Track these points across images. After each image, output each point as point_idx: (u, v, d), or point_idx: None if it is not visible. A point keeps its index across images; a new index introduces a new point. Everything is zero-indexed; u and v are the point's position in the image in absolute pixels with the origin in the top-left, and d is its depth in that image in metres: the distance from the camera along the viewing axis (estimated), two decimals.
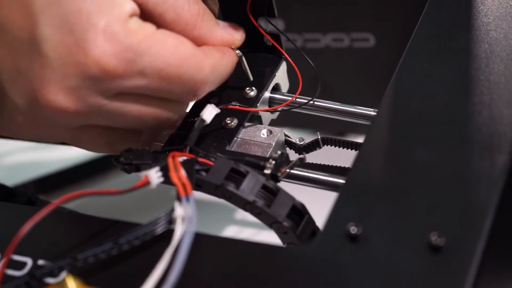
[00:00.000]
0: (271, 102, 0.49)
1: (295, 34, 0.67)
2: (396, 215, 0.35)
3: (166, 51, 0.39)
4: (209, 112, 0.43)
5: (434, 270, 0.32)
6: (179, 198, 0.38)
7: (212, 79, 0.42)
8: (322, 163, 0.45)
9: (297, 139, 0.48)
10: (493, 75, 0.40)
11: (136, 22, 0.39)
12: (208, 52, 0.42)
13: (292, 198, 0.40)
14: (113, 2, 0.38)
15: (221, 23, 0.45)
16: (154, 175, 0.40)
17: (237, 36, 0.46)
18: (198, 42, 0.43)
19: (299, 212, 0.40)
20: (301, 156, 0.43)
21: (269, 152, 0.45)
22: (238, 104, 0.47)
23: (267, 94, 0.48)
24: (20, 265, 0.37)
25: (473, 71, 0.41)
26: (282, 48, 0.49)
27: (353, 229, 0.34)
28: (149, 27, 0.40)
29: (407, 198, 0.35)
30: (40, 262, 0.37)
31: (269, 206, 0.40)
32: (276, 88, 0.50)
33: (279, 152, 0.43)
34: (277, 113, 0.50)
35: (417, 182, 0.36)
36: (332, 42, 0.67)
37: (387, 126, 0.40)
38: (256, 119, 0.48)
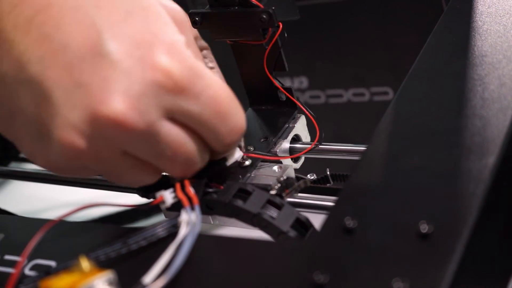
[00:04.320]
0: (292, 152, 0.51)
1: (318, 90, 0.71)
2: (389, 209, 0.37)
3: (217, 83, 0.41)
4: (233, 156, 0.46)
5: (422, 255, 0.34)
6: (185, 209, 0.40)
7: (242, 135, 0.43)
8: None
9: (308, 175, 0.50)
10: (487, 91, 0.42)
11: (192, 53, 0.41)
12: None
13: (296, 211, 0.42)
14: (173, 28, 0.41)
15: None
16: (168, 196, 0.43)
17: None
18: None
19: (303, 224, 0.42)
20: (305, 178, 0.45)
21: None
22: (252, 148, 0.49)
23: (286, 144, 0.51)
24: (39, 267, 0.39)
25: (468, 90, 0.43)
26: (296, 100, 0.52)
27: (349, 223, 0.36)
28: (201, 62, 0.42)
29: (400, 195, 0.37)
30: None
31: (274, 219, 0.42)
32: (297, 139, 0.52)
33: (285, 177, 0.46)
34: (300, 163, 0.52)
35: (410, 182, 0.38)
36: (353, 96, 0.70)
37: (386, 137, 0.42)
38: None
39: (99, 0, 0.40)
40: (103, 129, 0.38)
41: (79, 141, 0.39)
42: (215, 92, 0.40)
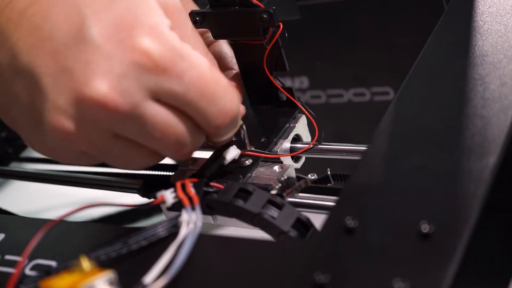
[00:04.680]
0: (293, 151, 0.51)
1: (319, 90, 0.71)
2: (389, 209, 0.37)
3: (202, 64, 0.41)
4: (231, 152, 0.46)
5: (423, 255, 0.34)
6: (185, 209, 0.40)
7: (235, 119, 0.43)
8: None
9: (309, 175, 0.50)
10: (487, 91, 0.42)
11: (177, 36, 0.41)
12: (232, 85, 0.45)
13: (297, 211, 0.42)
14: (156, 11, 0.41)
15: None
16: (169, 196, 0.43)
17: (243, 111, 0.49)
18: None
19: (304, 224, 0.42)
20: (306, 178, 0.45)
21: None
22: (253, 148, 0.49)
23: (287, 144, 0.51)
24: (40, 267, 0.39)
25: (469, 90, 0.43)
26: (296, 100, 0.52)
27: (349, 223, 0.36)
28: (187, 44, 0.42)
29: (400, 195, 0.37)
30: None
31: (275, 219, 0.42)
32: (297, 139, 0.52)
33: (286, 177, 0.46)
34: (301, 162, 0.52)
35: (410, 182, 0.38)
36: (354, 96, 0.69)
37: (387, 137, 0.42)
38: None
39: None
40: (88, 111, 0.40)
41: (68, 124, 0.40)
42: (199, 73, 0.41)
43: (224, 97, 0.42)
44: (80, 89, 0.39)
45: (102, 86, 0.39)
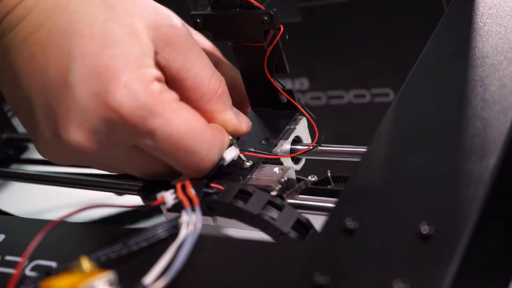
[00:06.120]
0: (293, 153, 0.51)
1: (319, 92, 0.71)
2: (389, 210, 0.37)
3: (179, 120, 0.42)
4: (230, 153, 0.46)
5: (423, 256, 0.34)
6: (185, 210, 0.40)
7: (214, 165, 0.45)
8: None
9: (309, 177, 0.50)
10: (487, 93, 0.42)
11: (159, 86, 0.42)
12: (217, 133, 0.45)
13: (297, 212, 0.42)
14: (140, 64, 0.42)
15: (235, 110, 0.48)
16: (169, 197, 0.43)
17: (243, 127, 0.48)
18: (207, 116, 0.46)
19: (304, 225, 0.42)
20: (306, 179, 0.45)
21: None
22: (253, 150, 0.49)
23: (287, 145, 0.51)
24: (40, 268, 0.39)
25: (469, 92, 0.43)
26: (296, 102, 0.52)
27: (349, 224, 0.36)
28: (170, 95, 0.43)
29: (400, 197, 0.37)
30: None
31: (274, 220, 0.42)
32: (298, 141, 0.52)
33: (286, 178, 0.46)
34: (301, 164, 0.52)
35: (410, 183, 0.38)
36: (354, 98, 0.69)
37: (387, 138, 0.42)
38: None
39: (88, 25, 0.42)
40: (67, 153, 0.44)
41: (53, 155, 0.45)
42: (172, 129, 0.42)
43: (201, 150, 0.43)
44: (59, 132, 0.42)
45: (77, 135, 0.42)
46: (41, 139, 0.44)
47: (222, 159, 0.46)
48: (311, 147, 0.50)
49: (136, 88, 0.41)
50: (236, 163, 0.48)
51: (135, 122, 0.41)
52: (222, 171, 0.47)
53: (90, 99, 0.41)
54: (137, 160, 0.44)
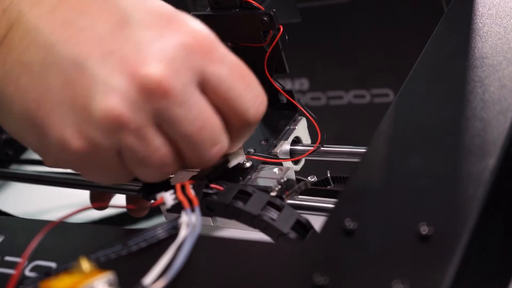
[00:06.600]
0: (293, 153, 0.51)
1: (319, 92, 0.71)
2: (389, 211, 0.37)
3: (233, 55, 0.42)
4: (236, 157, 0.46)
5: (422, 257, 0.34)
6: (185, 210, 0.40)
7: (263, 111, 0.44)
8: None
9: (309, 177, 0.50)
10: (487, 93, 0.42)
11: None
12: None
13: (296, 213, 0.42)
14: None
15: None
16: (168, 197, 0.43)
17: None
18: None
19: (303, 226, 0.42)
20: (306, 180, 0.45)
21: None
22: (253, 150, 0.49)
23: (287, 146, 0.51)
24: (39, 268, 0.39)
25: (468, 92, 0.43)
26: (297, 103, 0.52)
27: (349, 225, 0.36)
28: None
29: (400, 197, 0.37)
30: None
31: (274, 220, 0.42)
32: (298, 141, 0.52)
33: (285, 179, 0.46)
34: (301, 165, 0.52)
35: (410, 184, 0.38)
36: (354, 98, 0.70)
37: (386, 139, 0.42)
38: None
39: None
40: (142, 91, 0.39)
41: (120, 106, 0.39)
42: (234, 58, 0.42)
43: (256, 82, 0.43)
44: (134, 69, 0.39)
45: (157, 65, 0.39)
46: (104, 92, 0.39)
47: (227, 162, 0.46)
48: (315, 148, 0.50)
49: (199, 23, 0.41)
50: (236, 164, 0.48)
51: (209, 46, 0.41)
52: (221, 172, 0.47)
53: (161, 29, 0.40)
54: (204, 103, 0.41)
